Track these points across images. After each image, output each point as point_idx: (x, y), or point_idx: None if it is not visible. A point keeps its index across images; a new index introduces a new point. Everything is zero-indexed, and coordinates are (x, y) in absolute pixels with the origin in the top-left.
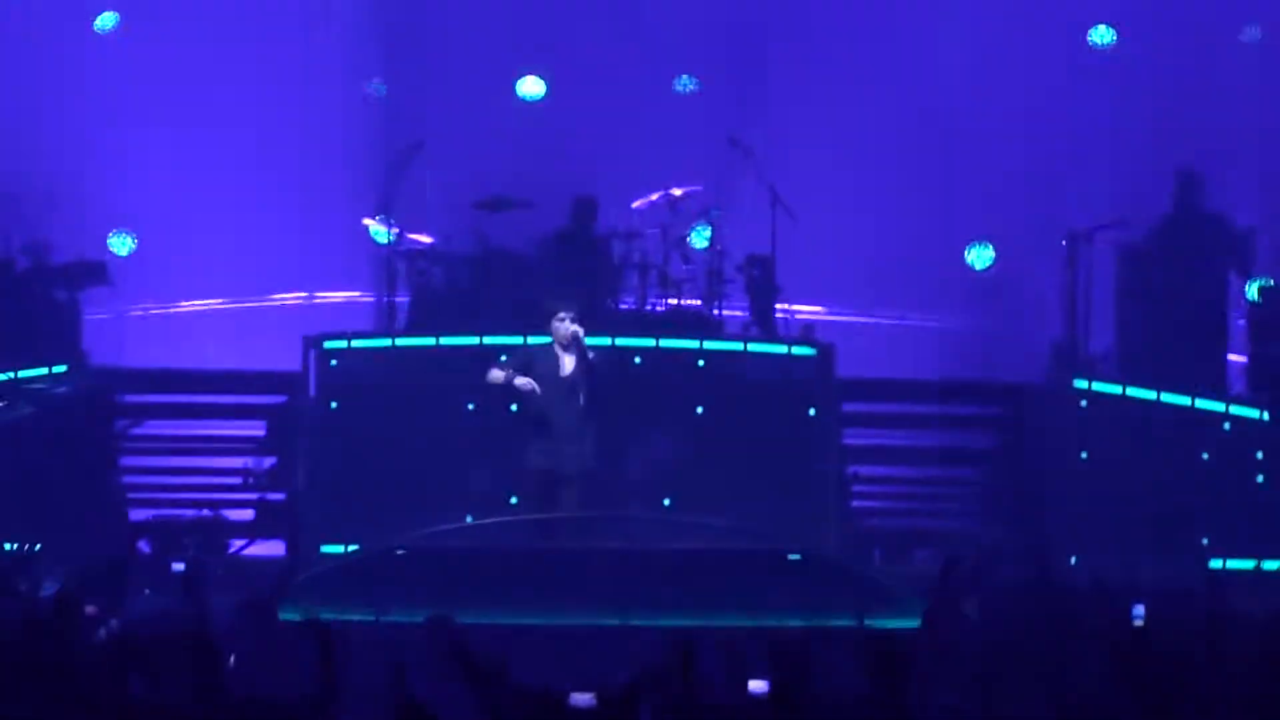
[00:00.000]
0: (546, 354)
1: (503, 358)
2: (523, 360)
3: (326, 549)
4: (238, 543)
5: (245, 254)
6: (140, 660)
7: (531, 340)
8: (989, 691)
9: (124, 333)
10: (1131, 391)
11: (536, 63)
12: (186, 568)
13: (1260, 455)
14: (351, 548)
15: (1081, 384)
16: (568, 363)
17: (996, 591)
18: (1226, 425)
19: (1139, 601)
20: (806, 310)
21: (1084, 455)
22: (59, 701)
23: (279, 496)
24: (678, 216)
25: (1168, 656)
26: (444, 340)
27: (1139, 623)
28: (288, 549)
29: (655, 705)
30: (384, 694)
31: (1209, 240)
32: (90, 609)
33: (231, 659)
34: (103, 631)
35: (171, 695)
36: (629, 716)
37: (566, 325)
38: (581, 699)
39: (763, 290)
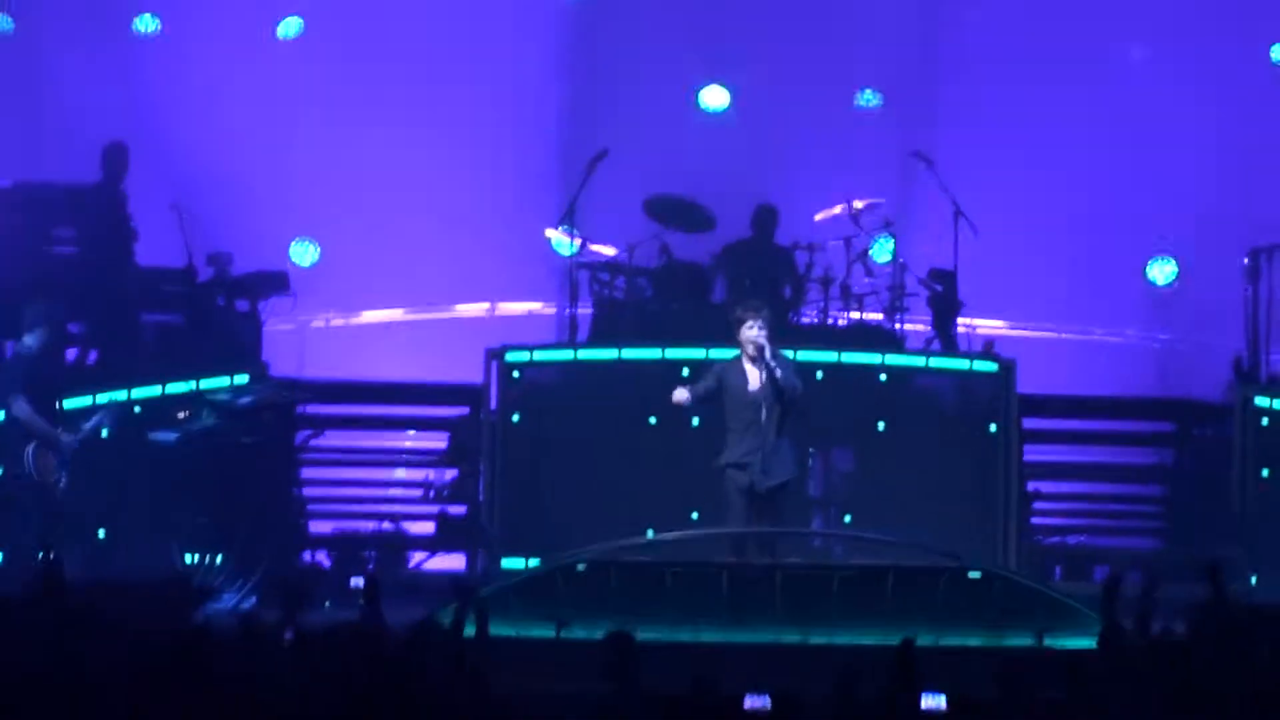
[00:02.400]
0: (734, 368)
1: (684, 372)
2: (713, 382)
3: (508, 563)
4: (419, 556)
5: (427, 264)
6: (318, 672)
7: (713, 354)
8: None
9: (305, 343)
10: None
11: (719, 74)
12: (367, 582)
13: None
14: (533, 562)
15: (1263, 401)
16: (754, 376)
17: (1174, 610)
18: None
19: None
20: (988, 325)
21: (1265, 473)
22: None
23: (460, 510)
24: (860, 229)
25: None
26: (626, 353)
27: None
28: (468, 563)
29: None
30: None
31: None
32: (273, 621)
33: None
34: (286, 639)
35: (344, 707)
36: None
37: (754, 332)
38: (756, 701)
39: (945, 304)
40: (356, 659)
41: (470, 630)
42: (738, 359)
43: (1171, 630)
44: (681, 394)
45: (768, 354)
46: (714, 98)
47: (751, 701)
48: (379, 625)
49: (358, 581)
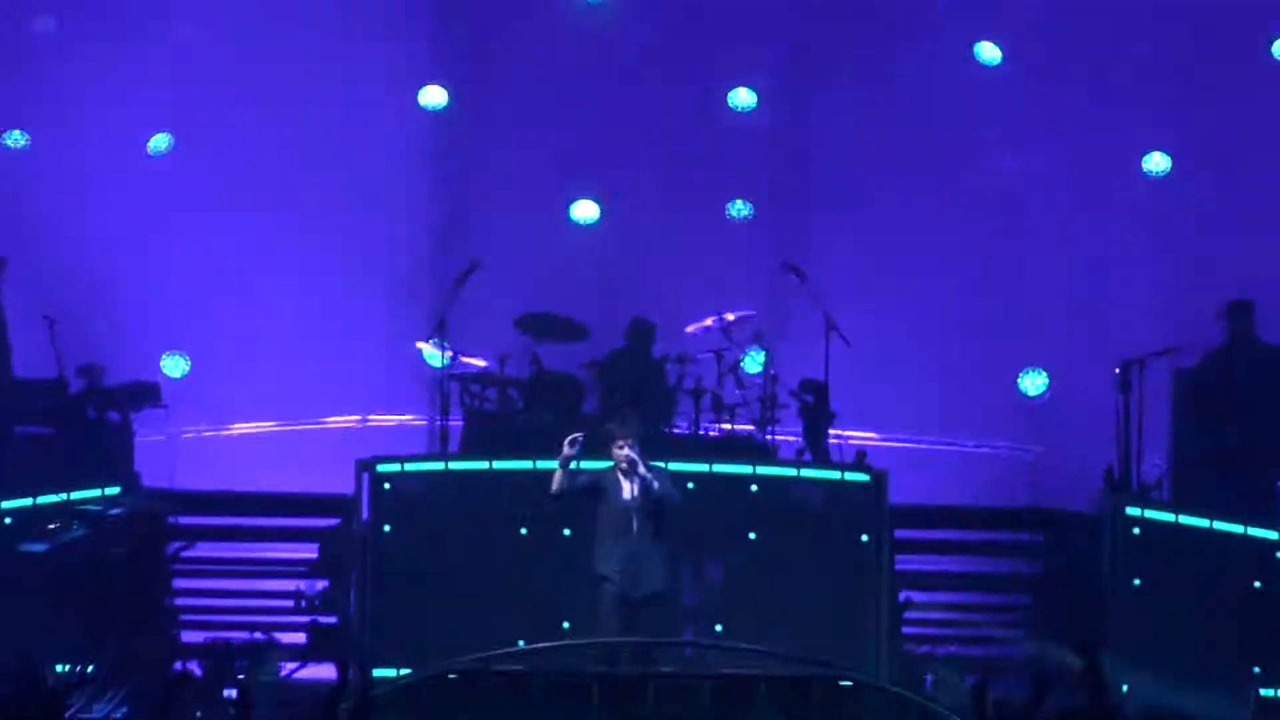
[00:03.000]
0: (609, 477)
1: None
2: (588, 480)
3: (379, 673)
4: (290, 665)
5: (298, 376)
6: None
7: (584, 466)
8: None
9: (177, 454)
10: (1184, 519)
11: (589, 186)
12: (239, 691)
13: None
14: (405, 671)
15: (1134, 511)
16: (627, 487)
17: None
18: None
19: None
20: (860, 435)
21: (1136, 582)
22: None
23: (332, 619)
24: (731, 342)
25: None
26: (497, 464)
27: None
28: (339, 672)
29: None
30: None
31: (1263, 368)
32: None
33: None
34: None
35: None
36: None
37: (623, 450)
38: None
39: (816, 415)
40: None
41: None
42: (612, 469)
43: None
44: (569, 450)
45: (641, 469)
46: (584, 210)
47: None
48: None
49: (230, 692)
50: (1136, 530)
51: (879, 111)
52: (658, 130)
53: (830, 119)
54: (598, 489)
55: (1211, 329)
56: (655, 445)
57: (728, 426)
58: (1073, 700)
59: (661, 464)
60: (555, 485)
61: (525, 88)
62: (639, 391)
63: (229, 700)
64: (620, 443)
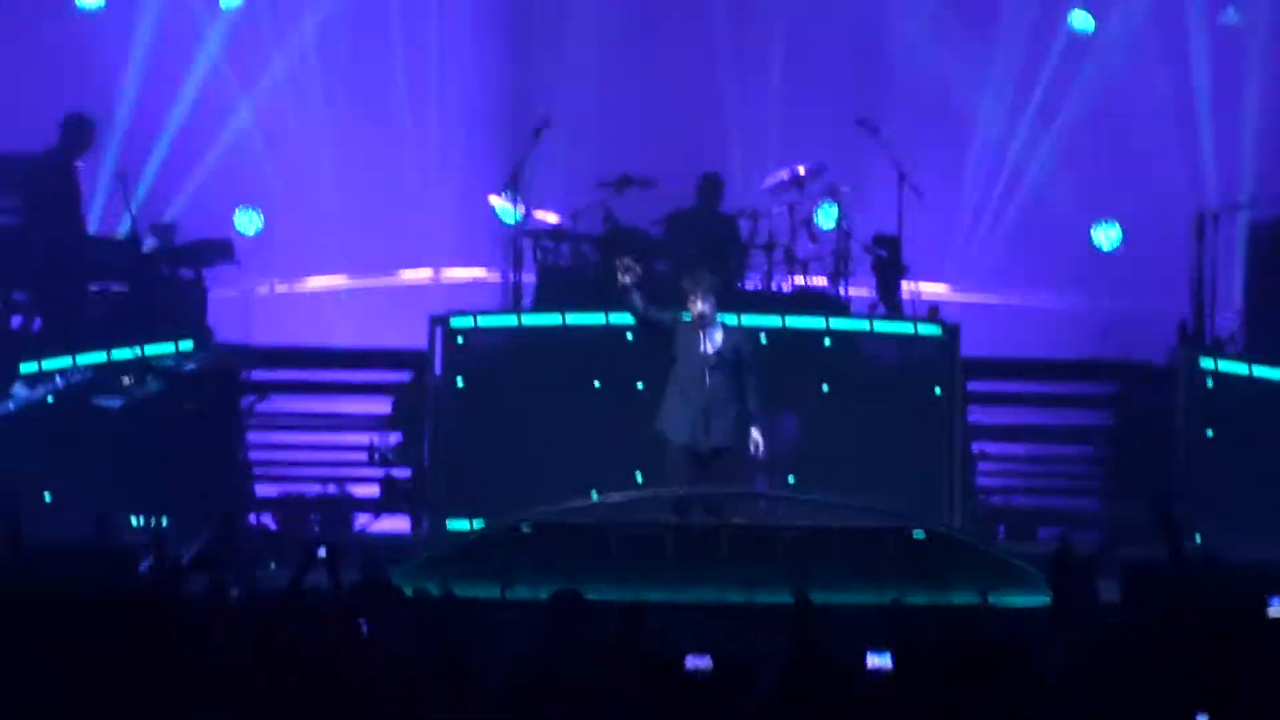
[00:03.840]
0: (687, 329)
1: (629, 336)
2: (669, 318)
3: (453, 525)
4: (363, 518)
5: (371, 231)
6: (269, 631)
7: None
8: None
9: (250, 310)
10: (1258, 371)
11: (668, 36)
12: (314, 543)
13: None
14: (477, 524)
15: (1208, 364)
16: (702, 341)
17: (1125, 572)
18: None
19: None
20: (933, 289)
21: (1209, 434)
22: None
23: (405, 473)
24: (804, 195)
25: None
26: (570, 318)
27: (1275, 613)
28: (413, 525)
29: (775, 675)
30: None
31: None
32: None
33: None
34: (233, 596)
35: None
36: (746, 683)
37: (698, 305)
38: (698, 661)
39: (889, 269)
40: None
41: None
42: (690, 323)
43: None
44: (630, 274)
45: (712, 318)
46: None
47: (693, 662)
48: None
49: (321, 550)
50: (1210, 382)
51: None
52: None
53: None
54: (671, 338)
55: None
56: (728, 300)
57: (800, 280)
58: (1146, 553)
59: (732, 318)
60: (635, 306)
61: None
62: (711, 247)
63: (303, 552)
64: (694, 297)
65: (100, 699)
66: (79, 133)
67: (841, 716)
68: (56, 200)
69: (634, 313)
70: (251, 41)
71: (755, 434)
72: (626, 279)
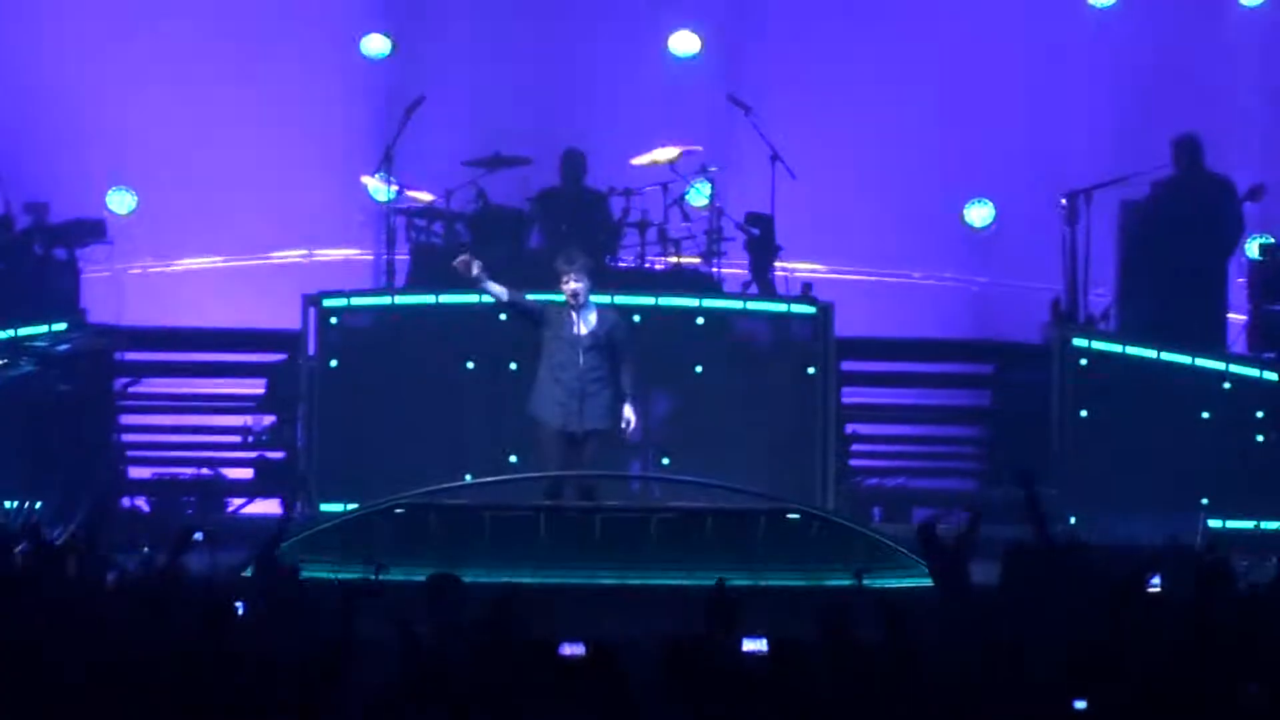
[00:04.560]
0: (559, 312)
1: (502, 316)
2: (536, 307)
3: (326, 507)
4: (236, 501)
5: (244, 211)
6: (147, 613)
7: (530, 297)
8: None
9: (123, 290)
10: (1131, 350)
11: (533, 14)
12: (186, 526)
13: (1261, 414)
14: (351, 506)
15: (1081, 342)
16: (576, 322)
17: (1003, 552)
18: (1226, 385)
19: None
20: (806, 268)
21: (1083, 414)
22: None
23: (279, 455)
24: (677, 174)
25: (1175, 622)
26: (443, 297)
27: (1155, 589)
28: (285, 507)
29: (658, 660)
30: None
31: (1211, 199)
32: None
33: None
34: (110, 579)
35: (179, 649)
36: (618, 668)
37: (570, 284)
38: (572, 649)
39: (762, 248)
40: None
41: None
42: (563, 304)
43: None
44: (475, 266)
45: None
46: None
47: (567, 649)
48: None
49: (199, 534)
50: (1084, 361)
51: None
52: None
53: None
54: (543, 321)
55: (1158, 161)
56: (601, 278)
57: (674, 259)
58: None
59: (606, 298)
60: (497, 295)
61: None
62: (579, 224)
63: (176, 534)
64: (567, 277)
65: None
66: None
67: (718, 701)
68: None
69: (498, 300)
70: (125, 17)
71: (629, 413)
72: (475, 270)
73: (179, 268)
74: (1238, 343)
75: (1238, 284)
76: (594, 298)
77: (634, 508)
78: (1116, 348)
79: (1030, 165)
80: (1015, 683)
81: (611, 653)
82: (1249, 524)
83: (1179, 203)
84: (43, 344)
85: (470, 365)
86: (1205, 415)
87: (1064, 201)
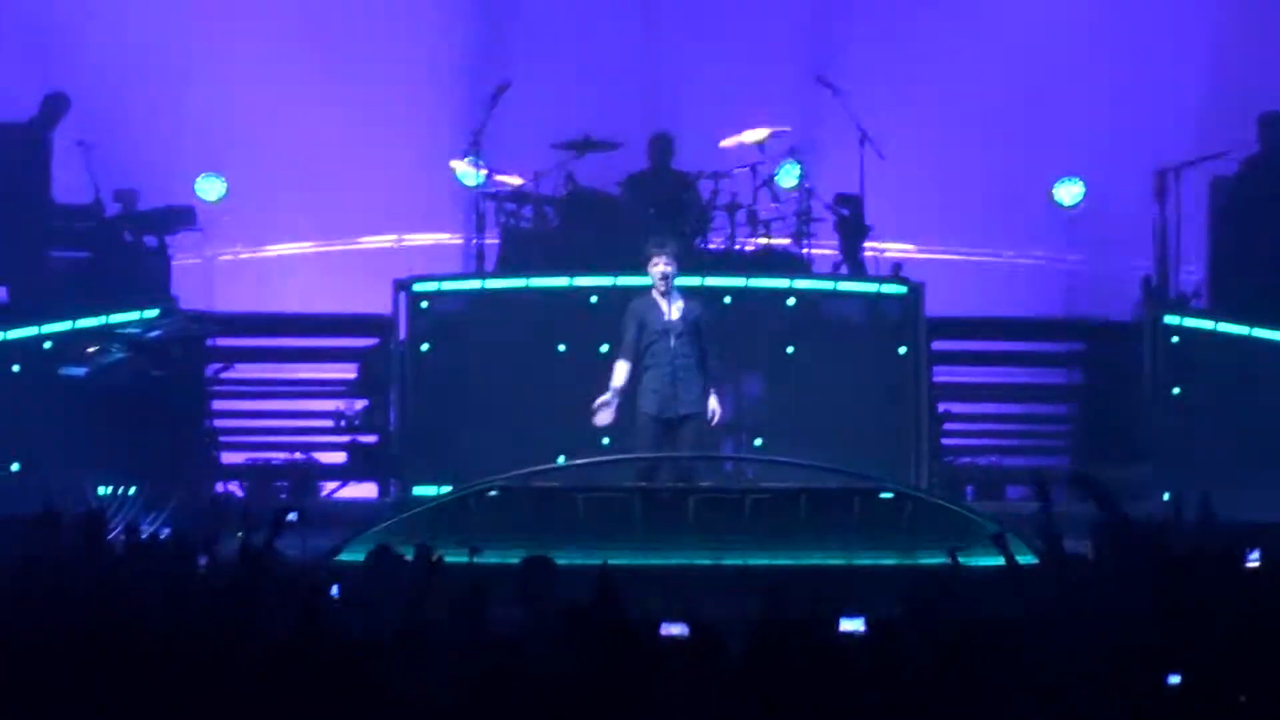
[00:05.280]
0: (646, 301)
1: (593, 299)
2: (631, 319)
3: (419, 490)
4: (330, 485)
5: (333, 197)
6: (236, 600)
7: (620, 281)
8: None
9: (213, 277)
10: (1222, 327)
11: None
12: (284, 509)
13: None
14: (444, 489)
15: (1172, 320)
16: (665, 307)
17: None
18: None
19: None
20: (896, 248)
21: (1175, 391)
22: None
23: (371, 439)
24: (766, 155)
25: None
26: (533, 281)
27: (1254, 564)
28: (380, 491)
29: (750, 639)
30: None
31: None
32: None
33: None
34: (201, 565)
35: (269, 634)
36: (720, 648)
37: (659, 267)
38: (673, 629)
39: (852, 229)
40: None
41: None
42: (648, 291)
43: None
44: (605, 416)
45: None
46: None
47: (668, 629)
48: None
49: (293, 515)
50: (1175, 339)
51: None
52: None
53: None
54: (639, 320)
55: (1248, 137)
56: (691, 261)
57: (763, 241)
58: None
59: (698, 280)
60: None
61: None
62: (670, 207)
63: (270, 520)
64: (656, 259)
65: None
66: (56, 107)
67: (814, 681)
68: (27, 169)
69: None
70: (214, 2)
71: (714, 403)
72: (603, 416)
73: (269, 254)
74: None
75: None
76: (683, 280)
77: (728, 489)
78: (1208, 325)
79: (1120, 143)
80: (1112, 657)
81: (714, 632)
82: None
83: (1266, 179)
84: (135, 330)
85: (561, 348)
86: None
87: (1154, 179)
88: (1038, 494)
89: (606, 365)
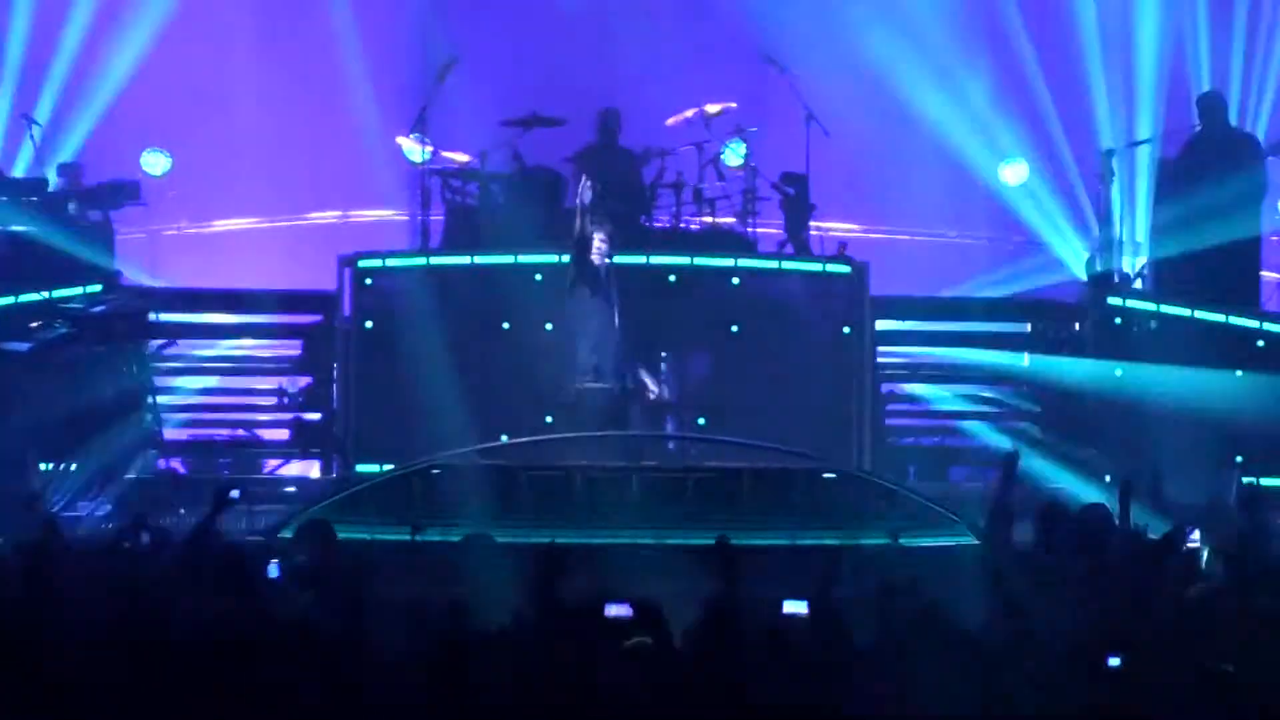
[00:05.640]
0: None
1: (538, 277)
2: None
3: (363, 468)
4: (273, 463)
5: (279, 172)
6: (184, 577)
7: (565, 259)
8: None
9: (158, 252)
10: (1166, 308)
11: None
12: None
13: None
14: (387, 467)
15: (1116, 301)
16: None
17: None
18: (1260, 343)
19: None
20: (841, 228)
21: (1118, 372)
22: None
23: (315, 416)
24: (711, 134)
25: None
26: (479, 258)
27: (1192, 544)
28: (323, 469)
29: (694, 620)
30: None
31: (1234, 154)
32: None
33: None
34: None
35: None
36: (661, 628)
37: (598, 243)
38: (617, 609)
39: (797, 208)
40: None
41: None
42: (592, 264)
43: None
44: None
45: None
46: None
47: (612, 610)
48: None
49: (235, 492)
50: (1118, 320)
51: None
52: None
53: None
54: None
55: (1191, 119)
56: (635, 238)
57: (709, 219)
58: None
59: (641, 258)
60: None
61: None
62: (616, 183)
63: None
64: (598, 235)
65: None
66: None
67: (759, 663)
68: None
69: None
70: None
71: (645, 377)
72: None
73: (214, 229)
74: (1271, 300)
75: (1271, 241)
76: (628, 258)
77: (671, 467)
78: (1151, 306)
79: (1064, 124)
80: (1050, 641)
81: (658, 612)
82: None
83: (1205, 159)
84: (77, 306)
85: (506, 326)
86: (1240, 373)
87: (1098, 159)
88: (1004, 474)
89: (552, 343)
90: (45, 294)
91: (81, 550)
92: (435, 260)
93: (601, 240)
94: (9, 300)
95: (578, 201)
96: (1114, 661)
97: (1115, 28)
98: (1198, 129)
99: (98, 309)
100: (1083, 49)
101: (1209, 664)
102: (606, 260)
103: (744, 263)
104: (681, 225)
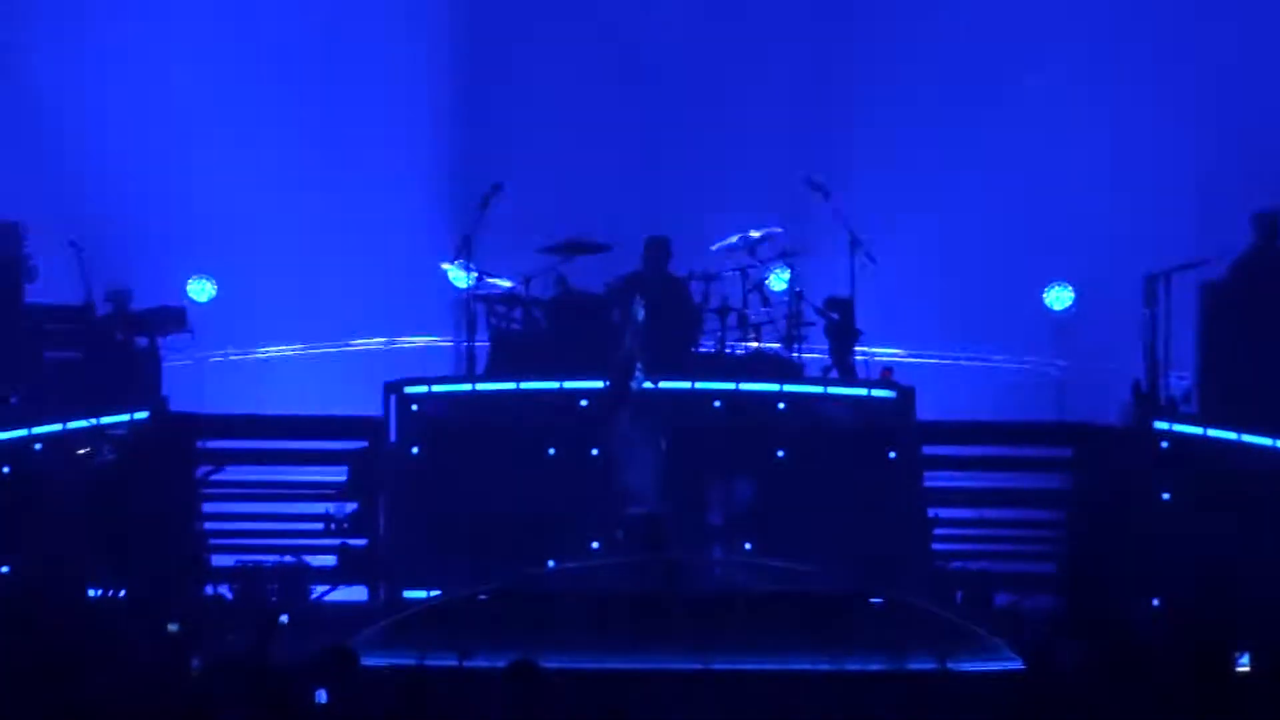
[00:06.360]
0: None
1: (583, 403)
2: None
3: (409, 594)
4: (320, 588)
5: (324, 299)
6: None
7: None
8: None
9: (204, 378)
10: (1213, 432)
11: (616, 101)
12: (274, 612)
13: None
14: (434, 593)
15: (1162, 425)
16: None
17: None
18: None
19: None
20: (886, 353)
21: (1165, 497)
22: None
23: (361, 542)
24: (756, 259)
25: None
26: (524, 384)
27: (1244, 669)
28: (370, 595)
29: None
30: None
31: None
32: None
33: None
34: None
35: None
36: None
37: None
38: None
39: (842, 333)
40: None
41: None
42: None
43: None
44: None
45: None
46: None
47: None
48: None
49: (284, 617)
50: (1165, 444)
51: (906, 25)
52: (683, 42)
53: (855, 31)
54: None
55: (1237, 241)
56: (682, 364)
57: (754, 344)
58: None
59: (686, 384)
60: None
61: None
62: (663, 310)
63: (258, 622)
64: (643, 364)
65: None
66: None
67: None
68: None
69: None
70: (207, 108)
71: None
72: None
73: (260, 355)
74: None
75: None
76: (673, 384)
77: (718, 592)
78: (1198, 430)
79: (1109, 249)
80: None
81: None
82: None
83: (1256, 278)
84: (124, 432)
85: (551, 451)
86: None
87: (1143, 284)
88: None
89: (597, 468)
90: (93, 421)
91: None
92: (480, 386)
93: (645, 364)
94: (57, 427)
95: (629, 321)
96: None
97: (1162, 152)
98: (1253, 246)
99: (144, 436)
100: (1129, 172)
101: None
102: (649, 384)
103: (789, 387)
104: (727, 350)
